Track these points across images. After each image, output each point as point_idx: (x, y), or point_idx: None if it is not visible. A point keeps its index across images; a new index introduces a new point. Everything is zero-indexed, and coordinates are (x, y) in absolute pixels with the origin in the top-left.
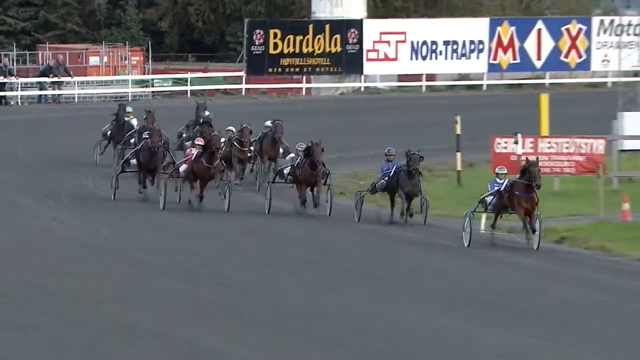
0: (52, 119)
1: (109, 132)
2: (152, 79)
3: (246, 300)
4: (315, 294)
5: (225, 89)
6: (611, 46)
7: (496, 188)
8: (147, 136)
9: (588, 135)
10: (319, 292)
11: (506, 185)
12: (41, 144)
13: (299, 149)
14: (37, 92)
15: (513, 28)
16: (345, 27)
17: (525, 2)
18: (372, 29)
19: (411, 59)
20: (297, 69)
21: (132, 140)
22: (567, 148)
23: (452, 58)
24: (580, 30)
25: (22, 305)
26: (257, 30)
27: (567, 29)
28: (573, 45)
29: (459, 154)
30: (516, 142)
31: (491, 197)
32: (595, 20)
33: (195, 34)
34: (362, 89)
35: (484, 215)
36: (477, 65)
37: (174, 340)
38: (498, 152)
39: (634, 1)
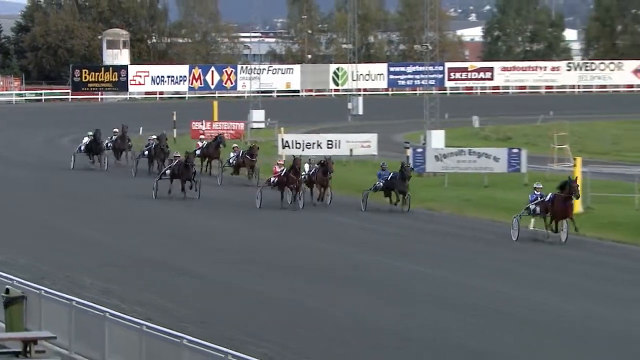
0: None
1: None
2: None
3: None
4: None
5: (61, 99)
6: (246, 79)
7: (536, 196)
8: (177, 155)
9: (237, 120)
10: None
11: (550, 197)
12: None
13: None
14: None
15: (200, 70)
16: (120, 69)
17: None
18: (133, 70)
19: (151, 84)
20: (96, 89)
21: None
22: (230, 124)
23: (169, 83)
24: (232, 71)
25: None
26: (76, 70)
27: (226, 70)
28: (229, 78)
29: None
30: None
31: (533, 205)
32: (239, 67)
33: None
34: (128, 99)
35: (532, 219)
36: (183, 87)
37: None
38: (195, 129)
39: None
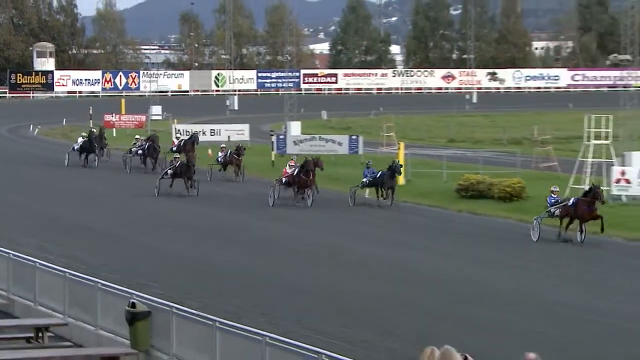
0: None
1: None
2: None
3: None
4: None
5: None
6: (147, 81)
7: (554, 199)
8: (177, 156)
9: (140, 113)
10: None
11: (573, 201)
12: None
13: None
14: None
15: (111, 74)
16: (47, 73)
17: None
18: (58, 74)
19: (72, 85)
20: (28, 89)
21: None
22: (134, 116)
23: (86, 85)
24: (136, 75)
25: None
26: (12, 74)
27: (131, 75)
28: (133, 81)
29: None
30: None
31: (554, 208)
32: (141, 72)
33: None
34: (54, 97)
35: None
36: (97, 88)
37: None
38: (107, 120)
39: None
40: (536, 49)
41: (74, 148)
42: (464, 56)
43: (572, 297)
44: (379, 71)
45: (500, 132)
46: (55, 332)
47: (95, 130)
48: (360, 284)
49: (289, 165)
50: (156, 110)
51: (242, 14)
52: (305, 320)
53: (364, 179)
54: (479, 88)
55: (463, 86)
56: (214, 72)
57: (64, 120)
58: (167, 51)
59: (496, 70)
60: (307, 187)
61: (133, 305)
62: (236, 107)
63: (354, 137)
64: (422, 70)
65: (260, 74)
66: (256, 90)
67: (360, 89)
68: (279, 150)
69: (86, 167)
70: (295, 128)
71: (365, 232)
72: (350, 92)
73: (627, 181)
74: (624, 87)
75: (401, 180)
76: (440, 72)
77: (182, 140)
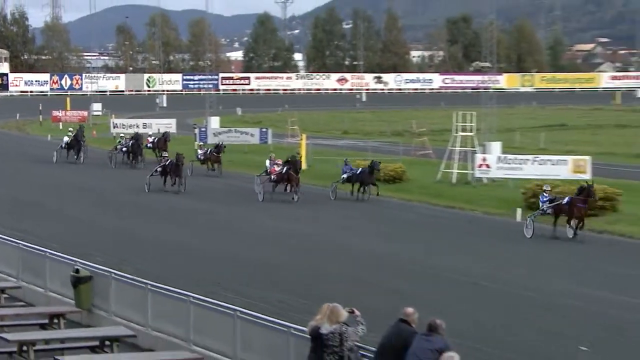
0: None
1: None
2: None
3: None
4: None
5: None
6: (89, 83)
7: (547, 198)
8: (165, 155)
9: (82, 109)
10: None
11: (567, 200)
12: None
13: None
14: None
15: (57, 77)
16: (2, 75)
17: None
18: (12, 76)
19: (25, 86)
20: None
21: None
22: (78, 112)
23: (37, 85)
24: (79, 77)
25: None
26: None
27: (75, 77)
28: (77, 82)
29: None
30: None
31: (547, 206)
32: (84, 75)
33: None
34: (9, 96)
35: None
36: (45, 88)
37: None
38: (54, 115)
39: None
40: (413, 57)
41: (62, 146)
42: (355, 63)
43: (454, 263)
44: (285, 75)
45: (385, 126)
46: (10, 294)
47: (71, 130)
48: (296, 259)
49: (275, 163)
50: (97, 107)
51: (169, 27)
52: (227, 284)
53: (343, 175)
54: (367, 89)
55: (354, 88)
56: (146, 75)
57: (18, 115)
58: (106, 57)
59: (381, 75)
60: (296, 183)
61: (77, 271)
62: (165, 105)
63: (264, 129)
64: (320, 74)
65: (185, 77)
66: (181, 91)
67: (269, 90)
68: (201, 140)
69: (74, 163)
70: (214, 122)
71: (328, 221)
72: (260, 92)
73: (487, 166)
74: (485, 89)
75: (303, 164)
76: (335, 76)
77: (155, 138)
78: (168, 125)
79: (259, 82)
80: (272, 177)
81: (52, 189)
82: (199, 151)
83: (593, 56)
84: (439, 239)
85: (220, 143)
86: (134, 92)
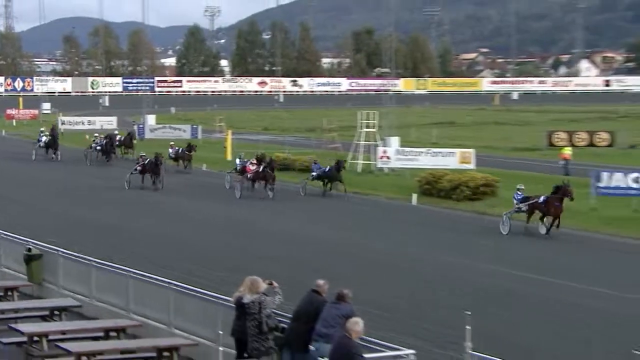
0: None
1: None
2: None
3: None
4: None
5: None
6: (39, 85)
7: (521, 196)
8: (143, 154)
9: (33, 108)
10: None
11: (544, 199)
12: None
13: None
14: None
15: (11, 79)
16: None
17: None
18: None
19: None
20: None
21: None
22: (29, 111)
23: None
24: (30, 80)
25: None
26: None
27: (27, 80)
28: (29, 84)
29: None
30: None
31: (522, 204)
32: (35, 78)
33: None
34: None
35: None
36: (0, 89)
37: None
38: (8, 113)
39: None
40: (324, 63)
41: (39, 145)
42: (273, 68)
43: (361, 241)
44: (212, 78)
45: (299, 123)
46: None
47: (43, 130)
48: (238, 242)
49: (251, 162)
50: (46, 106)
51: (110, 36)
52: (160, 261)
53: (313, 173)
54: (284, 91)
55: (273, 90)
56: (90, 79)
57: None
58: (54, 63)
59: (296, 79)
60: (272, 181)
61: (29, 249)
62: (107, 104)
63: (194, 126)
64: (244, 78)
65: (124, 80)
66: (122, 92)
67: (199, 91)
68: (139, 136)
69: (51, 161)
70: (151, 119)
71: (284, 212)
72: (191, 93)
73: (388, 157)
74: (385, 92)
75: (228, 156)
76: (256, 80)
77: (122, 137)
78: (109, 122)
79: (190, 85)
80: (249, 175)
81: (24, 184)
82: (170, 150)
83: (476, 64)
84: (347, 220)
85: (190, 143)
86: (79, 93)
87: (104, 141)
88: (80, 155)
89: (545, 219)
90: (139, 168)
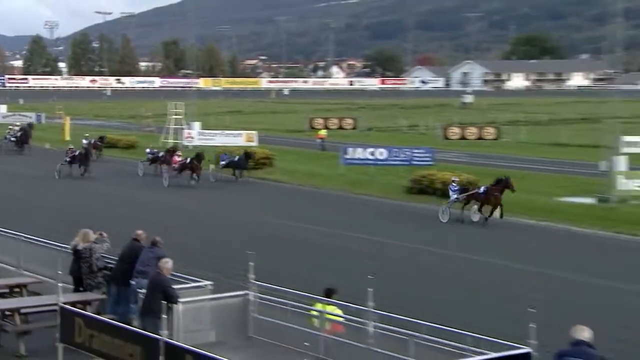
0: None
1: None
2: None
3: None
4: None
5: None
6: None
7: (456, 188)
8: (71, 147)
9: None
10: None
11: (484, 189)
12: None
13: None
14: None
15: None
16: None
17: None
18: None
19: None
20: None
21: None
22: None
23: None
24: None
25: None
26: None
27: None
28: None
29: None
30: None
31: (458, 194)
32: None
33: None
34: None
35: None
36: None
37: None
38: None
39: None
40: (142, 66)
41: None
42: (102, 69)
43: (248, 217)
44: (53, 77)
45: (123, 111)
46: None
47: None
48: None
49: (177, 155)
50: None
51: None
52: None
53: (222, 162)
54: (111, 87)
55: (102, 86)
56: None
57: None
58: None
59: (120, 77)
60: (198, 171)
61: None
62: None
63: (39, 114)
64: (78, 76)
65: None
66: None
67: (42, 87)
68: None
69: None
70: (2, 108)
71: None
72: (36, 88)
73: (192, 137)
74: (189, 88)
75: (67, 137)
76: (88, 78)
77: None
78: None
79: (35, 82)
80: (175, 166)
81: None
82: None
83: (257, 68)
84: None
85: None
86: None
87: (19, 132)
88: None
89: (483, 208)
90: (68, 159)
